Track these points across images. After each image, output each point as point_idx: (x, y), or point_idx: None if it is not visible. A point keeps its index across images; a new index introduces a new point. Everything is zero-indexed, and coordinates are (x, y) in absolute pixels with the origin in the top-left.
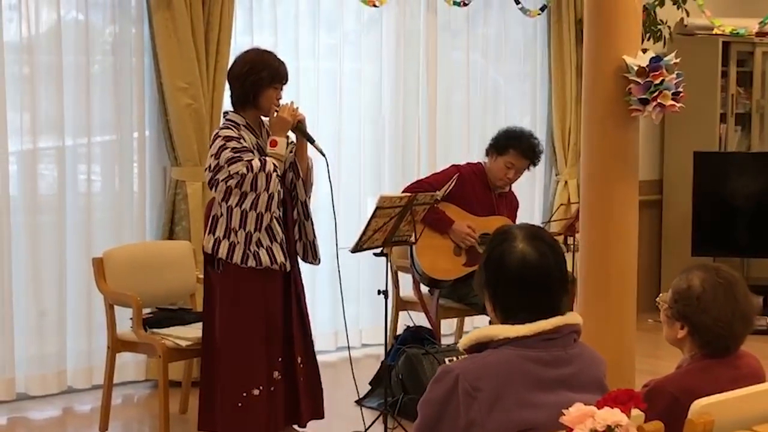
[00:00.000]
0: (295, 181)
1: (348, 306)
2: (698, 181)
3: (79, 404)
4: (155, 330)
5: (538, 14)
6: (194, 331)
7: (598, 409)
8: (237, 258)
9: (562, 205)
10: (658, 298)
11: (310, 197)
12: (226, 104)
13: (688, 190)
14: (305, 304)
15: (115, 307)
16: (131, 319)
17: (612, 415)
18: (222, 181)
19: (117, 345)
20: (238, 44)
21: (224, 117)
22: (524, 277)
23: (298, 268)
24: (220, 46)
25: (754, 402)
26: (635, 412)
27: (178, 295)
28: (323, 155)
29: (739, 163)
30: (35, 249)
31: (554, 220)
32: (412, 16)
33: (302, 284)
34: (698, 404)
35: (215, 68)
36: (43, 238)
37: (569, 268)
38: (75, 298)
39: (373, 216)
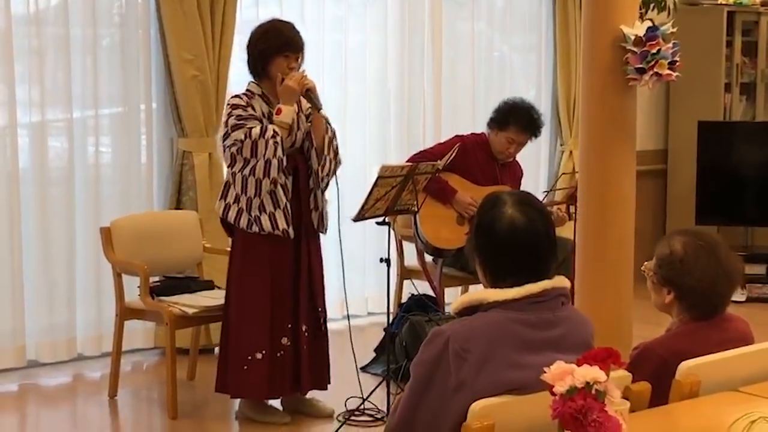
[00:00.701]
0: (309, 150)
1: (354, 275)
2: (703, 150)
3: (89, 371)
4: (162, 298)
5: None
6: (201, 299)
7: (578, 366)
8: (243, 223)
9: (564, 173)
10: (642, 267)
11: (334, 168)
12: (233, 76)
13: (692, 159)
14: (320, 274)
15: (123, 275)
16: (139, 287)
17: (590, 372)
18: (227, 147)
19: (125, 313)
20: (244, 16)
21: (246, 86)
22: (513, 242)
23: (316, 238)
24: (225, 18)
25: (740, 363)
26: (621, 372)
27: (185, 264)
28: (328, 123)
29: (743, 133)
30: (45, 220)
31: (558, 189)
32: None
33: (319, 254)
34: (685, 365)
35: (221, 40)
36: (53, 209)
37: (571, 236)
38: (84, 268)
39: (375, 185)
